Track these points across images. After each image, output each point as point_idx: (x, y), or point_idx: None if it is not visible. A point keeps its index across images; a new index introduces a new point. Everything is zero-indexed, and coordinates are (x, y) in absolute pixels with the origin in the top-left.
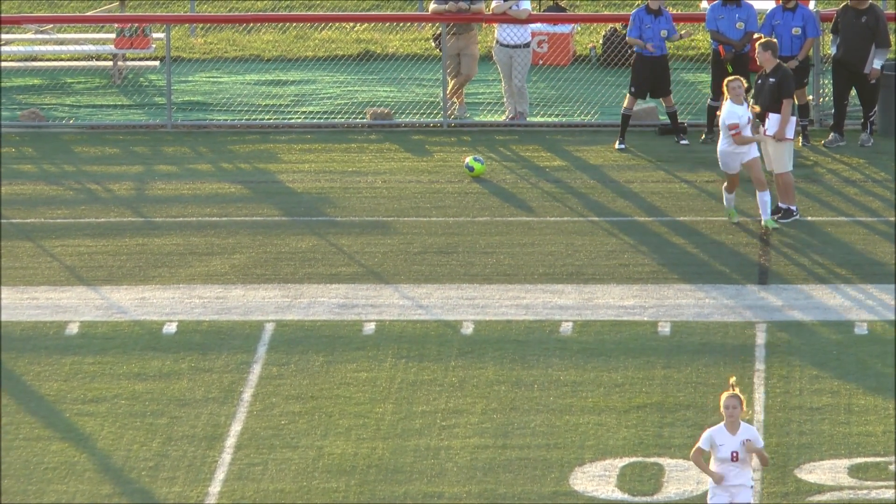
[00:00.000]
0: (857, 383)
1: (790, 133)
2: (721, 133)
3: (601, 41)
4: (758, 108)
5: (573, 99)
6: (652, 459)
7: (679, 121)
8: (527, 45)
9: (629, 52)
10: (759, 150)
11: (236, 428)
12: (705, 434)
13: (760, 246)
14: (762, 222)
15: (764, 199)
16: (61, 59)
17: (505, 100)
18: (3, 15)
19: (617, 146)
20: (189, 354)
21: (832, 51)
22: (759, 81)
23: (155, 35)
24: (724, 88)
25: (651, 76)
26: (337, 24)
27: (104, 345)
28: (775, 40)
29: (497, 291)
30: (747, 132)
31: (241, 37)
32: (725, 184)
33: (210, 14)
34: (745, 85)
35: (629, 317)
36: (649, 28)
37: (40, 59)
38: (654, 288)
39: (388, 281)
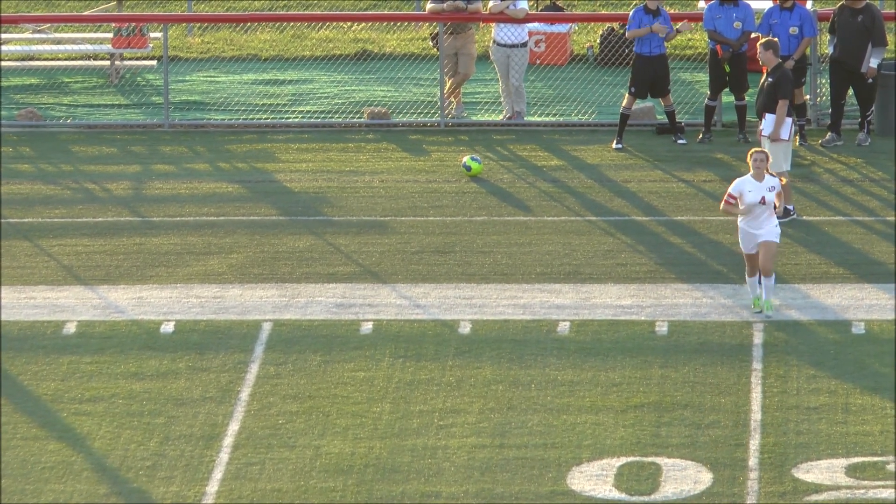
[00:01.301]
0: (855, 383)
1: (785, 134)
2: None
3: (598, 41)
4: (784, 180)
5: (570, 98)
6: (649, 459)
7: (677, 120)
8: (524, 45)
9: (627, 51)
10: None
11: (234, 427)
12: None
13: None
14: (762, 302)
15: (767, 283)
16: (58, 59)
17: (502, 99)
18: (0, 14)
19: (614, 146)
20: (186, 354)
21: (829, 50)
22: (761, 81)
23: (152, 34)
24: (748, 159)
25: (651, 76)
26: (334, 24)
27: (102, 344)
28: (777, 40)
29: (494, 291)
30: (743, 206)
31: (239, 36)
32: (747, 267)
33: (207, 13)
34: (771, 160)
35: (626, 316)
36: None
37: (37, 59)
38: (651, 287)
39: (385, 280)
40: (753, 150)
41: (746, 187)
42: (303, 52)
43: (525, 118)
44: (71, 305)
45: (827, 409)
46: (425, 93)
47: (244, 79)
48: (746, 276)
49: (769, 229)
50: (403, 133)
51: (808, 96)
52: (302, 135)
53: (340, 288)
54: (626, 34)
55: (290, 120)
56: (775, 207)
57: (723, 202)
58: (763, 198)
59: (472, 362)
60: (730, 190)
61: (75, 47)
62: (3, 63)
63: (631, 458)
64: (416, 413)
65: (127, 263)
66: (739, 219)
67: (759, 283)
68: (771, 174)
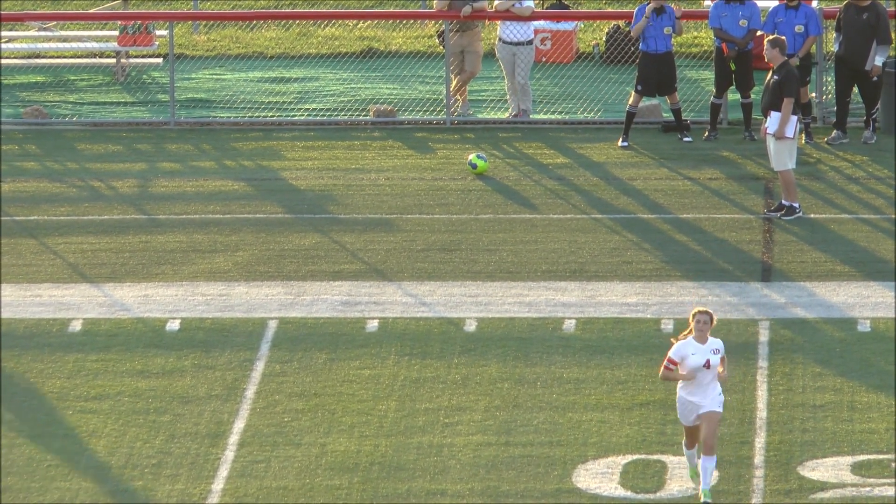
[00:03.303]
0: (860, 380)
1: (790, 132)
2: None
3: (604, 38)
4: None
5: (576, 96)
6: (655, 457)
7: (682, 118)
8: (530, 43)
9: (633, 49)
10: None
11: (239, 425)
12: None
13: (763, 243)
14: (701, 489)
15: (706, 465)
16: (64, 57)
17: (508, 97)
18: (6, 12)
19: (620, 143)
20: (192, 352)
21: (835, 48)
22: (766, 79)
23: (158, 32)
24: (690, 319)
25: (657, 74)
26: (340, 22)
27: (107, 342)
28: (784, 38)
29: (500, 289)
30: (685, 370)
31: (245, 34)
32: (685, 439)
33: (213, 11)
34: (714, 322)
35: (632, 314)
36: (651, 26)
37: (43, 57)
38: (657, 285)
39: (391, 278)
40: (696, 309)
41: (689, 350)
42: (309, 49)
43: (531, 116)
44: (76, 303)
45: (832, 407)
46: (431, 91)
47: (250, 77)
48: (684, 448)
49: (712, 398)
50: (409, 131)
51: (813, 94)
52: (308, 132)
53: (346, 286)
54: (631, 32)
55: (296, 118)
56: (720, 374)
57: (661, 367)
58: (707, 361)
59: (478, 360)
60: (670, 354)
61: (81, 45)
62: (9, 61)
63: (636, 456)
64: (421, 411)
65: (133, 261)
66: (679, 386)
67: (698, 457)
68: (714, 338)
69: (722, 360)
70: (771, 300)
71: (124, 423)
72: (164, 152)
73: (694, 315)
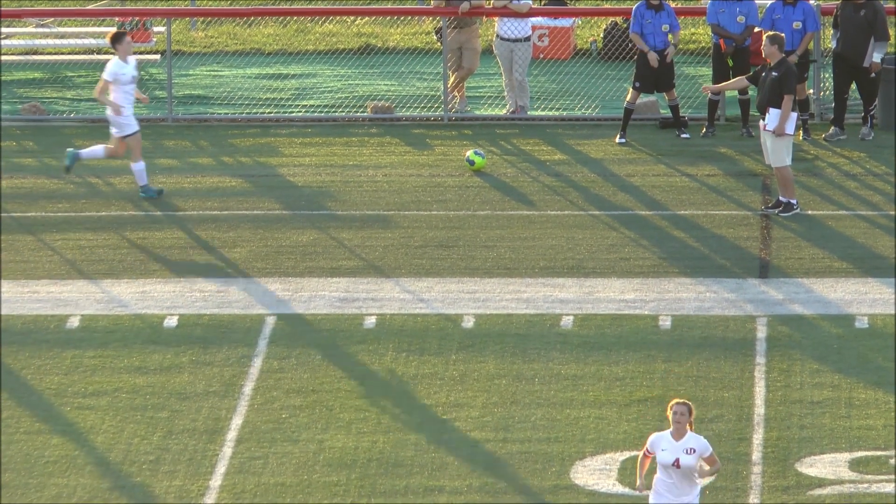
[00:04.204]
0: (858, 377)
1: (790, 129)
2: (659, 470)
3: (602, 35)
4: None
5: (574, 93)
6: None
7: (680, 115)
8: (527, 39)
9: (630, 46)
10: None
11: (237, 422)
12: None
13: (761, 240)
14: None
15: None
16: (62, 53)
17: (506, 94)
18: (3, 9)
19: (618, 140)
20: (190, 348)
21: (832, 45)
22: (763, 75)
23: (155, 29)
24: (668, 411)
25: (655, 71)
26: (338, 18)
27: (105, 338)
28: (783, 34)
29: (498, 285)
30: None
31: (242, 30)
32: None
33: (211, 7)
34: (693, 414)
35: (630, 310)
36: (650, 23)
37: (41, 53)
38: (654, 282)
39: (388, 275)
40: (674, 401)
41: (661, 445)
42: (306, 46)
43: (528, 112)
44: (74, 299)
45: (830, 404)
46: (429, 87)
47: (247, 73)
48: None
49: (690, 501)
50: (407, 127)
51: (811, 91)
52: (305, 129)
53: (344, 282)
54: (630, 35)
55: (294, 114)
56: (703, 474)
57: (641, 454)
58: (677, 460)
59: (476, 356)
60: (647, 444)
61: (79, 41)
62: (7, 57)
63: (634, 453)
64: (419, 407)
65: (130, 258)
66: (654, 479)
67: None
68: (692, 431)
69: (710, 459)
70: (769, 296)
71: (122, 419)
72: (162, 149)
73: (671, 406)
